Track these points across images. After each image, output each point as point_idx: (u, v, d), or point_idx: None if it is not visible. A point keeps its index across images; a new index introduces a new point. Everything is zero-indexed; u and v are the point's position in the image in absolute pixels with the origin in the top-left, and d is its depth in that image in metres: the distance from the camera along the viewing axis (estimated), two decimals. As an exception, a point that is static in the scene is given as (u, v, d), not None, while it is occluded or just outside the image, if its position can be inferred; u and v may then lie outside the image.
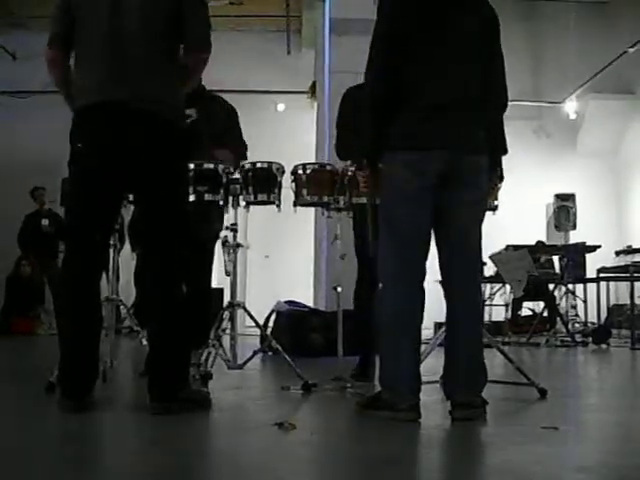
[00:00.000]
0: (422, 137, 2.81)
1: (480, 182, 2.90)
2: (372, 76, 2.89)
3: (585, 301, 8.77)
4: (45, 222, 9.46)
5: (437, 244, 2.93)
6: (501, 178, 3.14)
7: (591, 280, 8.73)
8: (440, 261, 2.93)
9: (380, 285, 2.92)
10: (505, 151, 3.07)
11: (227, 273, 4.00)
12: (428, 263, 2.90)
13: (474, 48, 2.90)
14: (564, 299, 8.45)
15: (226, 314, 3.95)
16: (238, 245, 3.98)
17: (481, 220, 2.96)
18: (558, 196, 11.15)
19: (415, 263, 2.86)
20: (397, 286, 2.85)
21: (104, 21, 2.93)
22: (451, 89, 2.84)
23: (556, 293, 8.52)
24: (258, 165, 3.88)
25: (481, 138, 2.90)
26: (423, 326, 2.87)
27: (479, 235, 2.94)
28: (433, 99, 2.83)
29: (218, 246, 4.24)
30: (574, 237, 10.60)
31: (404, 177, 2.82)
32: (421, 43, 2.85)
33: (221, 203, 3.83)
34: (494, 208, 3.80)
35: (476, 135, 2.89)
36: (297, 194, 3.87)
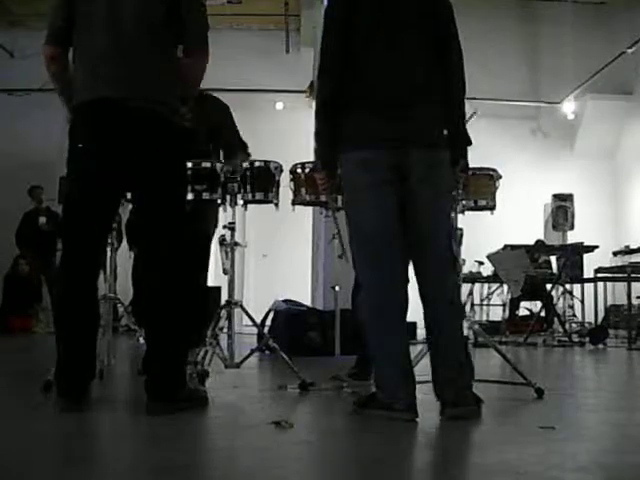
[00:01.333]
0: (371, 134, 2.80)
1: (437, 177, 2.86)
2: (320, 78, 2.92)
3: (582, 301, 8.78)
4: (43, 220, 9.45)
5: (408, 245, 2.89)
6: (466, 169, 3.08)
7: (588, 280, 8.74)
8: (412, 261, 2.91)
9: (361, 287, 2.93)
10: (468, 142, 3.00)
11: (225, 272, 4.00)
12: None
13: (430, 43, 2.89)
14: (561, 299, 8.46)
15: (224, 313, 3.95)
16: (236, 244, 3.98)
17: (447, 215, 2.95)
18: (556, 196, 11.15)
19: (386, 261, 2.83)
20: (373, 286, 2.85)
21: (102, 19, 2.92)
22: (401, 85, 2.83)
23: (553, 293, 8.53)
24: (256, 164, 3.88)
25: (437, 133, 2.87)
26: (419, 326, 2.87)
27: (446, 230, 2.92)
28: (382, 97, 2.83)
29: (215, 245, 4.24)
30: (572, 237, 10.60)
31: (357, 176, 2.83)
32: (373, 40, 2.85)
33: (219, 202, 3.83)
34: (492, 208, 3.81)
35: (430, 130, 2.86)
36: (295, 193, 3.87)
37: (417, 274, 2.90)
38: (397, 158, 2.78)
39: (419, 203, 2.83)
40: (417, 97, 2.85)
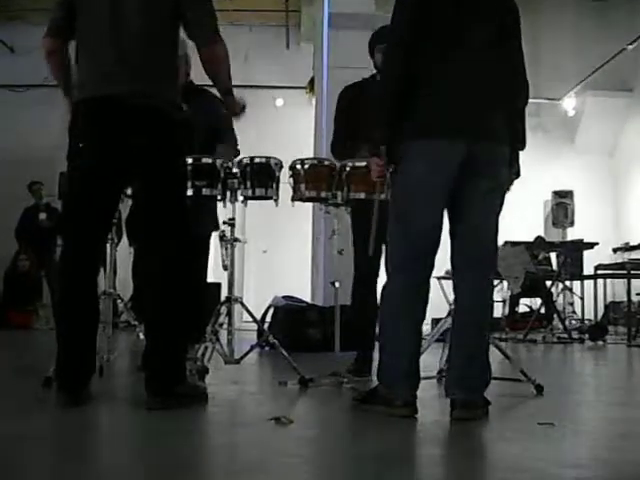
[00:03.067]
0: (439, 126, 2.77)
1: (497, 172, 2.83)
2: (389, 63, 2.88)
3: (582, 298, 8.78)
4: (43, 216, 9.45)
5: (450, 234, 2.89)
6: (517, 174, 3.05)
7: (588, 277, 8.74)
8: (452, 252, 2.90)
9: (386, 278, 2.91)
10: (523, 146, 2.98)
11: (225, 268, 4.00)
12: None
13: (498, 39, 2.85)
14: (561, 296, 8.47)
15: (223, 309, 3.95)
16: (236, 240, 3.97)
17: (497, 212, 2.89)
18: (556, 193, 11.17)
19: (424, 260, 2.84)
20: (403, 282, 2.84)
21: (105, 15, 2.91)
22: (469, 80, 2.80)
23: (553, 290, 8.53)
24: (256, 160, 3.87)
25: (501, 128, 2.84)
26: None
27: (495, 228, 2.88)
28: (450, 89, 2.79)
29: (215, 241, 4.23)
30: (572, 234, 10.61)
31: (421, 172, 2.78)
32: (443, 32, 2.81)
33: (219, 198, 3.83)
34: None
35: (496, 125, 2.83)
36: (295, 189, 3.86)
37: (454, 267, 2.89)
38: (462, 150, 2.74)
39: (473, 194, 2.80)
40: (490, 93, 2.82)
